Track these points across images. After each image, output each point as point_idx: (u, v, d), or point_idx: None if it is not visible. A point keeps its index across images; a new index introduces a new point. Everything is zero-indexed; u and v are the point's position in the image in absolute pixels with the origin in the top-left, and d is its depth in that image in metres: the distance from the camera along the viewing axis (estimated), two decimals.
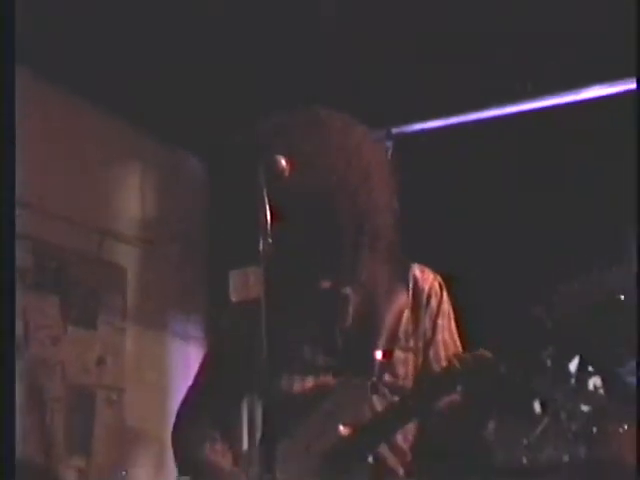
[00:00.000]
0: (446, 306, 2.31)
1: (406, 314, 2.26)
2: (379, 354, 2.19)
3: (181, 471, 2.34)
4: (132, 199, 4.52)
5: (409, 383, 2.23)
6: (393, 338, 2.23)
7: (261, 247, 1.86)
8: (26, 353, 3.84)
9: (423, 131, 4.33)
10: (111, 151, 4.29)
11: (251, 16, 3.59)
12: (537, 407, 3.70)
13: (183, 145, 4.58)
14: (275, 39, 3.72)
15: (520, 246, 3.82)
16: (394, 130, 4.25)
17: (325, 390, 2.18)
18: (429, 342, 2.27)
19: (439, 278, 2.36)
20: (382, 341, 2.21)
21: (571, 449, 3.60)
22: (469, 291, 3.04)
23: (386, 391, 2.19)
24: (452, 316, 2.33)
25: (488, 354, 2.05)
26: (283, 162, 2.01)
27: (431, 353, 2.27)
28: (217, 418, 2.32)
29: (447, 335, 2.30)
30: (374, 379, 2.17)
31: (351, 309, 2.22)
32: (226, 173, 2.50)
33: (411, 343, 2.25)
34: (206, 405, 2.33)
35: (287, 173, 2.01)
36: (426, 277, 2.33)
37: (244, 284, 4.02)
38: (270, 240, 1.88)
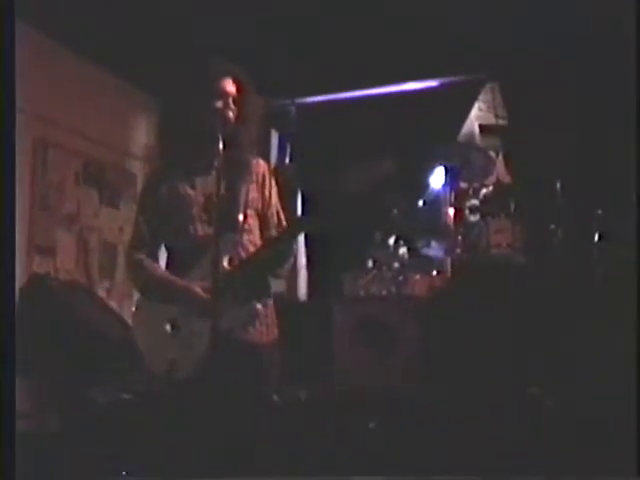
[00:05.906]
0: (274, 183, 2.63)
1: (252, 187, 2.57)
2: (241, 217, 2.49)
3: (136, 285, 2.59)
4: (138, 135, 5.54)
5: (256, 234, 2.54)
6: (246, 205, 2.52)
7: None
8: (78, 224, 4.91)
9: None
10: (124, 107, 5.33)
11: None
12: (370, 263, 4.78)
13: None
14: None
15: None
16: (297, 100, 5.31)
17: (208, 240, 2.41)
18: (268, 205, 2.62)
19: (268, 166, 2.67)
20: (242, 208, 2.49)
21: (387, 287, 4.62)
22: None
23: (245, 240, 2.50)
24: (277, 191, 2.65)
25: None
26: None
27: (269, 213, 2.62)
28: (150, 249, 2.61)
29: (277, 201, 2.65)
30: (238, 236, 2.46)
31: (222, 186, 2.40)
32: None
33: (256, 206, 2.58)
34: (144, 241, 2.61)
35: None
36: (260, 164, 2.64)
37: None
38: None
